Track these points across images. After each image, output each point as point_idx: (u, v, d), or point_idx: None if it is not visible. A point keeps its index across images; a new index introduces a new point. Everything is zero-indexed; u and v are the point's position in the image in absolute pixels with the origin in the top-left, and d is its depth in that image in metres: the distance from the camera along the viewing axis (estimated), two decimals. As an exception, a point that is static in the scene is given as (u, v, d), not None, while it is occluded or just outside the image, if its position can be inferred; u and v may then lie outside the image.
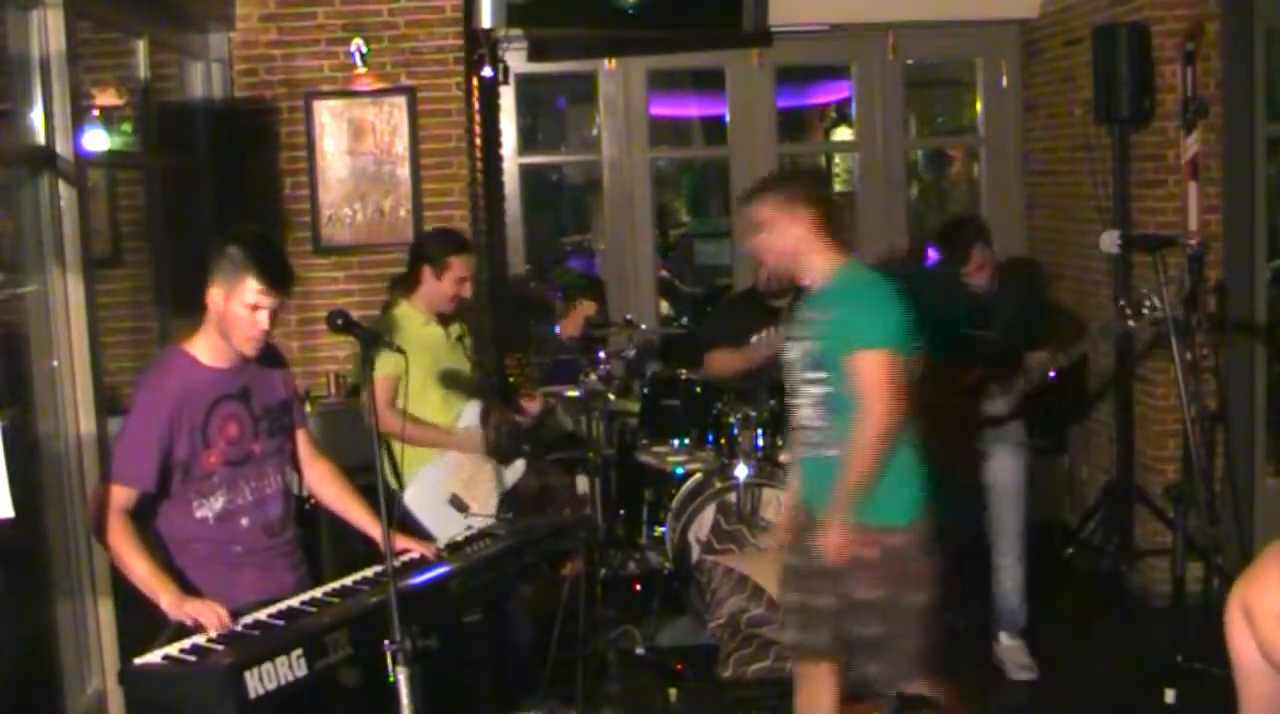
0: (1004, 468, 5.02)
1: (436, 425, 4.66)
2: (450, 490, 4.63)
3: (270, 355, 3.52)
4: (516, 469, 4.83)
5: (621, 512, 6.12)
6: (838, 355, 3.58)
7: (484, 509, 4.60)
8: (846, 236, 3.78)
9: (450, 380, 4.72)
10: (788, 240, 3.72)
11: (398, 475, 4.66)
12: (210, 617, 3.06)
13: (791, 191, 3.74)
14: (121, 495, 3.25)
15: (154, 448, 3.24)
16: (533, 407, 5.00)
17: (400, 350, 3.46)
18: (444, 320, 4.80)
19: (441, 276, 4.70)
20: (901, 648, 3.63)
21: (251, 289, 3.26)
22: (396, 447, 4.60)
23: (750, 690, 4.93)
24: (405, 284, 4.82)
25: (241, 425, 3.39)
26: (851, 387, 3.56)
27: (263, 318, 3.30)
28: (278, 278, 3.30)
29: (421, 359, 4.57)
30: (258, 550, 3.43)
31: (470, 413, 4.75)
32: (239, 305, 3.27)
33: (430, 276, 4.73)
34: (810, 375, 3.67)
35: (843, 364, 3.56)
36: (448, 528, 4.35)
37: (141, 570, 3.20)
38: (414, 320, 4.72)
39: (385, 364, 4.40)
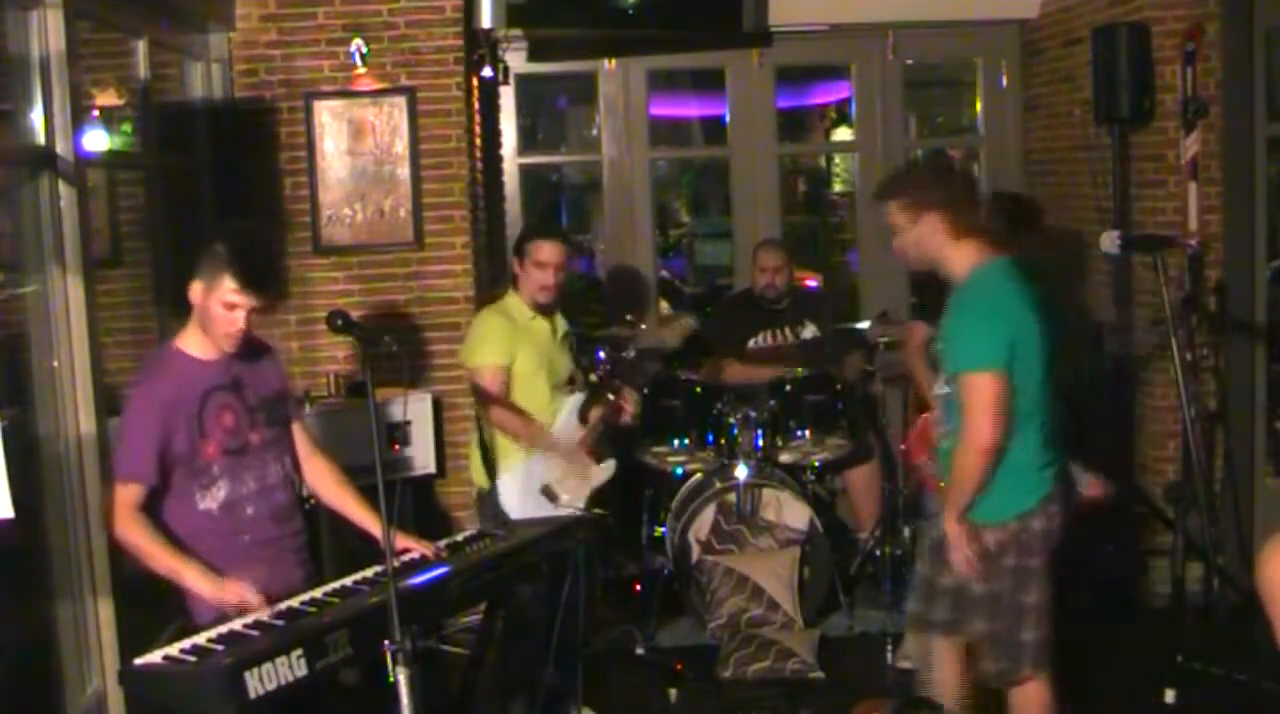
0: None
1: (533, 421, 4.70)
2: (544, 480, 4.68)
3: (258, 348, 3.54)
4: (607, 468, 4.87)
5: (621, 512, 6.13)
6: (949, 367, 3.64)
7: (574, 504, 4.65)
8: (986, 227, 3.72)
9: (556, 375, 4.79)
10: (922, 246, 3.68)
11: (490, 470, 4.71)
12: (249, 598, 3.14)
13: (917, 193, 3.67)
14: (127, 493, 3.28)
15: (151, 442, 3.26)
16: (631, 406, 4.98)
17: (395, 351, 3.46)
18: (548, 314, 4.85)
19: (524, 264, 4.77)
20: (1008, 642, 3.73)
21: (228, 288, 3.29)
22: (498, 439, 4.71)
23: (750, 690, 4.94)
24: (514, 278, 4.90)
25: (237, 415, 3.41)
26: (960, 399, 3.59)
27: (239, 317, 3.33)
28: (255, 279, 3.31)
29: (529, 351, 4.71)
30: (267, 541, 3.44)
31: (570, 409, 4.80)
32: (216, 303, 3.31)
33: (518, 266, 4.81)
34: (942, 373, 3.74)
35: (954, 375, 3.61)
36: (536, 514, 4.48)
37: (167, 562, 3.25)
38: (522, 312, 4.79)
39: (496, 352, 4.64)
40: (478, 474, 4.81)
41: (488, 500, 4.75)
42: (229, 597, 3.18)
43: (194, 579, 3.24)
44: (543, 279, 4.73)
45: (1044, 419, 3.67)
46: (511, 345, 4.70)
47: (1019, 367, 3.55)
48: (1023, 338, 3.57)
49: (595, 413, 4.83)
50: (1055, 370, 3.69)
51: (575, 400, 4.81)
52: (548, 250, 4.74)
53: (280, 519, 3.49)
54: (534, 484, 4.67)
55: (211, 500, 3.36)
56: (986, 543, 3.65)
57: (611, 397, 4.90)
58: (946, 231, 3.62)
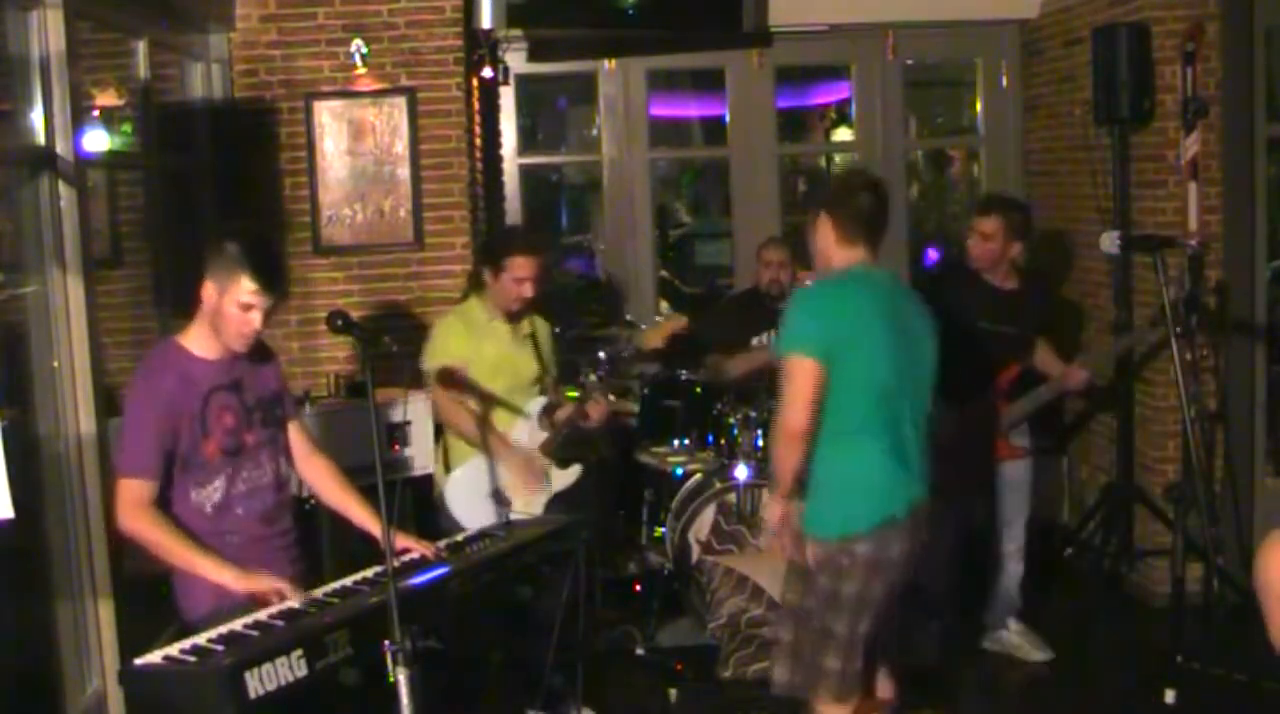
0: (1018, 463, 5.13)
1: (501, 437, 4.65)
2: (495, 484, 4.64)
3: (259, 349, 3.55)
4: (570, 473, 4.83)
5: (621, 512, 6.12)
6: (782, 350, 3.65)
7: (526, 508, 4.61)
8: (864, 245, 3.71)
9: (517, 376, 4.74)
10: (815, 243, 3.77)
11: (446, 464, 4.72)
12: (272, 591, 3.22)
13: (822, 195, 3.79)
14: (133, 488, 3.28)
15: (156, 438, 3.27)
16: (596, 413, 4.85)
17: (395, 351, 3.47)
18: (514, 317, 4.78)
19: (499, 277, 4.65)
20: (807, 661, 3.65)
21: (245, 289, 3.29)
22: (449, 436, 4.73)
23: (750, 690, 4.93)
24: (476, 282, 4.82)
25: (236, 415, 3.42)
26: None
27: (255, 317, 3.33)
28: (272, 279, 3.33)
29: (484, 353, 4.66)
30: (256, 540, 3.44)
31: (532, 413, 4.76)
32: (232, 304, 3.31)
33: (490, 277, 4.69)
34: None
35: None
36: (483, 521, 4.41)
37: (184, 555, 3.27)
38: (480, 314, 4.75)
39: (452, 352, 4.60)
40: (439, 474, 4.81)
41: (441, 503, 4.74)
42: (255, 587, 3.22)
43: (214, 571, 3.25)
44: (521, 292, 4.63)
45: (893, 439, 3.59)
46: (466, 350, 4.65)
47: (851, 371, 3.53)
48: (859, 343, 3.55)
49: (561, 416, 4.80)
50: (923, 394, 3.67)
51: (536, 404, 4.77)
52: (529, 266, 4.62)
53: (269, 520, 3.49)
54: (483, 488, 4.63)
55: (206, 499, 3.37)
56: (809, 556, 3.61)
57: (584, 398, 4.85)
58: (832, 235, 3.70)
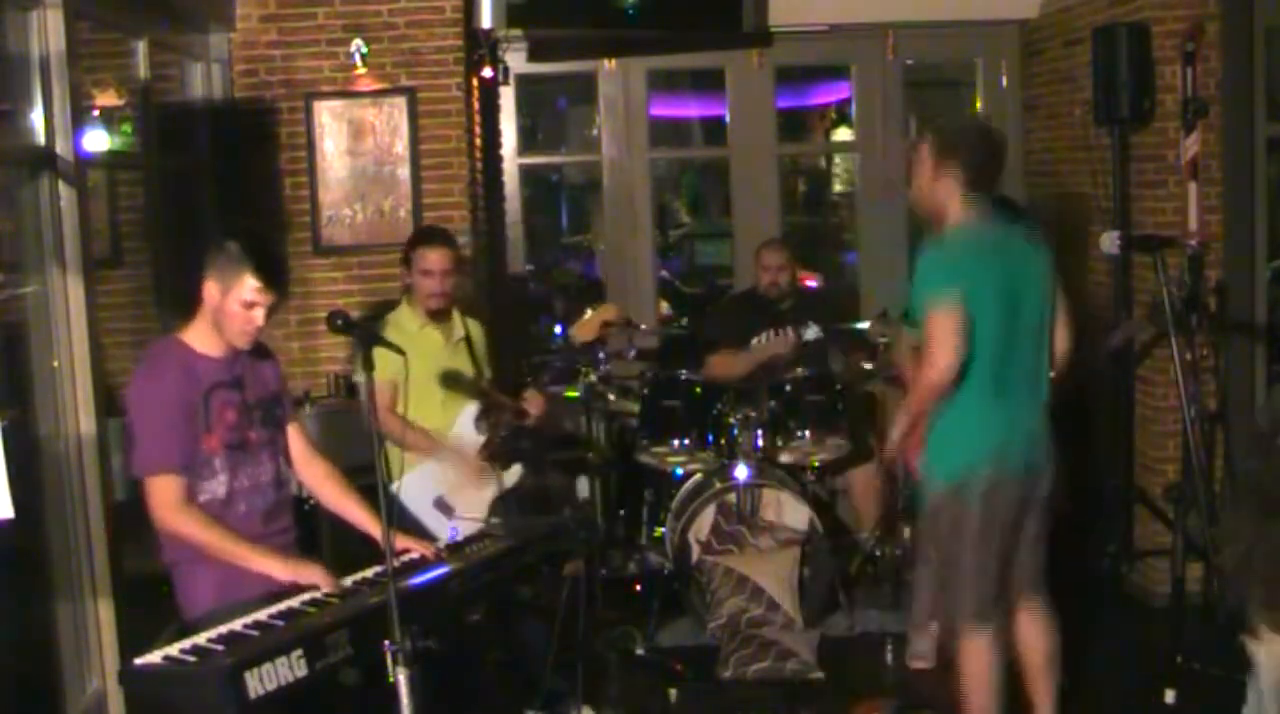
0: None
1: (431, 435, 4.63)
2: (436, 493, 4.61)
3: (260, 349, 3.57)
4: (512, 474, 4.80)
5: (621, 512, 6.12)
6: (918, 309, 3.78)
7: (470, 513, 4.58)
8: (982, 193, 3.83)
9: (450, 382, 4.69)
10: (930, 192, 3.85)
11: (388, 472, 4.66)
12: (322, 579, 3.32)
13: (948, 145, 3.82)
14: (169, 485, 3.30)
15: (174, 433, 3.29)
16: (535, 409, 4.89)
17: (400, 351, 3.46)
18: (442, 320, 4.78)
19: (411, 272, 4.72)
20: (948, 596, 3.92)
21: (249, 287, 3.31)
22: (391, 448, 4.63)
23: (750, 690, 4.94)
24: (406, 287, 4.83)
25: (238, 412, 3.44)
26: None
27: (258, 315, 3.36)
28: (274, 276, 3.36)
29: (418, 361, 4.54)
30: (256, 538, 3.44)
31: (467, 415, 4.74)
32: (235, 302, 3.32)
33: (406, 276, 4.77)
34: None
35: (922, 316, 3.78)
36: (432, 530, 4.35)
37: (232, 549, 3.31)
38: (411, 322, 4.72)
39: (384, 367, 4.49)
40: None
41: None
42: (302, 576, 3.29)
43: (264, 563, 3.31)
44: (430, 287, 4.67)
45: (1004, 391, 3.79)
46: (400, 359, 4.62)
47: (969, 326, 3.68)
48: (973, 297, 3.69)
49: (500, 417, 4.77)
50: (1036, 345, 3.85)
51: (471, 409, 4.74)
52: (432, 258, 4.67)
53: (269, 517, 3.51)
54: (428, 496, 4.60)
55: (210, 493, 3.38)
56: (932, 503, 3.90)
57: (522, 396, 4.80)
58: (956, 188, 3.79)
